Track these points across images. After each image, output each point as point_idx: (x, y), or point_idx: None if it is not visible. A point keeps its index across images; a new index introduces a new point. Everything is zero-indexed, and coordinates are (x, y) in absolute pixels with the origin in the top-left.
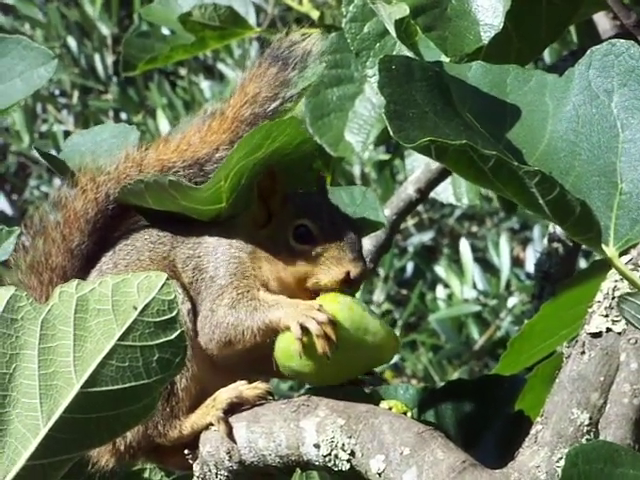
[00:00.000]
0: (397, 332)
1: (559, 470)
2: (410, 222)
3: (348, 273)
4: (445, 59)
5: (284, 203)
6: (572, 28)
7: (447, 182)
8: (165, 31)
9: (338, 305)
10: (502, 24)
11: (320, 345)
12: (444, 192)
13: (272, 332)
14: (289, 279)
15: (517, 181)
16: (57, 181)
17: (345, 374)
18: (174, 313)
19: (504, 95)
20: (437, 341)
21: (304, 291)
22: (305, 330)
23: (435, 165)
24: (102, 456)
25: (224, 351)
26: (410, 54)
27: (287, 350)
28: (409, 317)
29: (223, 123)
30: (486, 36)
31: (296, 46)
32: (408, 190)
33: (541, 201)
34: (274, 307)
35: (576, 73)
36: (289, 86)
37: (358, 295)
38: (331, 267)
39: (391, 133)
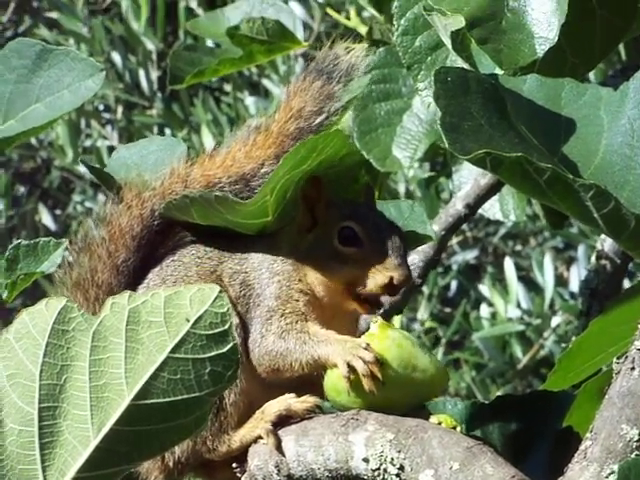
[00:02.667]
0: (440, 350)
1: None
2: (454, 240)
3: (392, 278)
4: (500, 72)
5: (329, 208)
6: (620, 46)
7: (494, 199)
8: (211, 45)
9: (387, 342)
10: (557, 38)
11: (367, 384)
12: (491, 209)
13: (320, 367)
14: (334, 284)
15: (572, 194)
16: (101, 196)
17: (395, 409)
18: (227, 326)
19: (559, 108)
20: (480, 359)
21: (349, 295)
22: (352, 369)
23: (484, 181)
24: (151, 472)
25: (272, 376)
26: (465, 66)
27: (335, 386)
28: (453, 335)
29: (268, 138)
30: (541, 49)
31: (340, 59)
32: (457, 206)
33: (595, 215)
34: (323, 343)
35: (631, 87)
36: (334, 100)
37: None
38: (376, 272)
39: (446, 145)
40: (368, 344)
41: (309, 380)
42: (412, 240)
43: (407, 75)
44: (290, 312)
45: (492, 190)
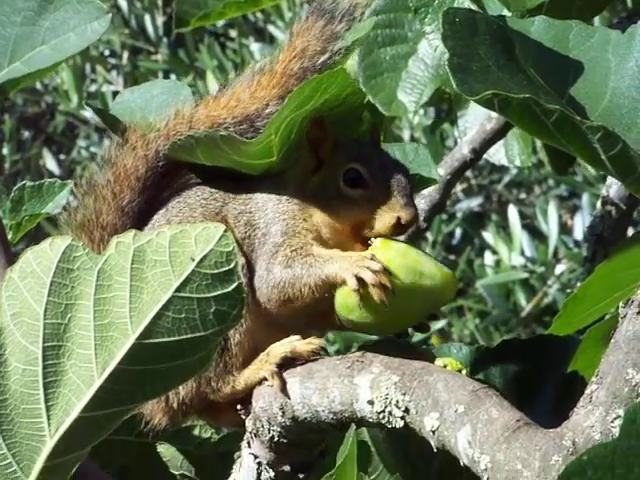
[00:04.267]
0: None
1: (614, 430)
2: (459, 188)
3: (399, 218)
4: (508, 14)
5: (334, 149)
6: None
7: (499, 144)
8: None
9: (391, 252)
10: None
11: (376, 294)
12: (496, 154)
13: (329, 287)
14: (340, 225)
15: (580, 136)
16: (106, 141)
17: (407, 320)
18: (232, 265)
19: (567, 50)
20: (484, 307)
21: (356, 237)
22: (361, 281)
23: (489, 126)
24: (155, 414)
25: (282, 309)
26: (473, 7)
27: (346, 303)
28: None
29: (272, 78)
30: None
31: None
32: (462, 150)
33: (603, 157)
34: (329, 262)
35: (639, 29)
36: (337, 39)
37: None
38: (382, 212)
39: (454, 86)
40: (373, 255)
41: (314, 316)
42: (417, 183)
43: (413, 19)
44: (296, 243)
45: (498, 135)
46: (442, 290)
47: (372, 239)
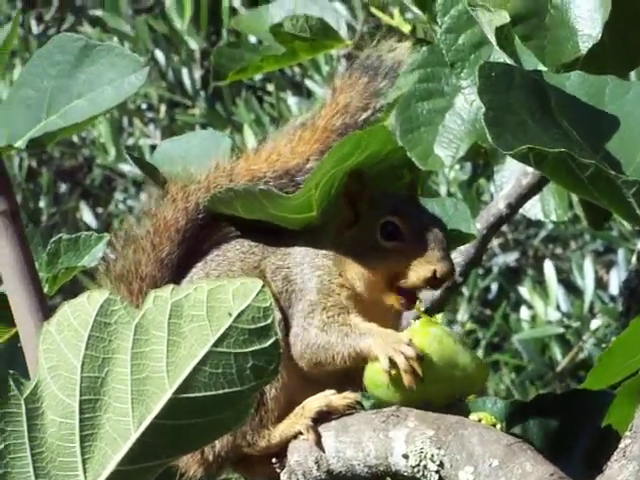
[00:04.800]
0: (480, 352)
1: None
2: (495, 242)
3: (435, 271)
4: (543, 68)
5: (371, 203)
6: None
7: (535, 199)
8: (254, 42)
9: (428, 338)
10: (600, 35)
11: (406, 379)
12: (532, 209)
13: (361, 359)
14: (375, 278)
15: (615, 191)
16: (143, 194)
17: (432, 402)
18: (269, 320)
19: (602, 105)
20: (520, 362)
21: (390, 289)
22: (393, 363)
23: (525, 181)
24: (190, 466)
25: (314, 369)
26: (509, 62)
27: (374, 379)
28: (492, 337)
29: (314, 133)
30: (584, 46)
31: (386, 56)
32: (499, 205)
33: (638, 211)
34: (365, 335)
35: None
36: (380, 96)
37: (442, 315)
38: (418, 265)
39: (490, 140)
40: (410, 339)
41: (350, 375)
42: (455, 238)
43: (450, 74)
44: (332, 305)
45: (534, 190)
46: (472, 381)
47: (412, 320)
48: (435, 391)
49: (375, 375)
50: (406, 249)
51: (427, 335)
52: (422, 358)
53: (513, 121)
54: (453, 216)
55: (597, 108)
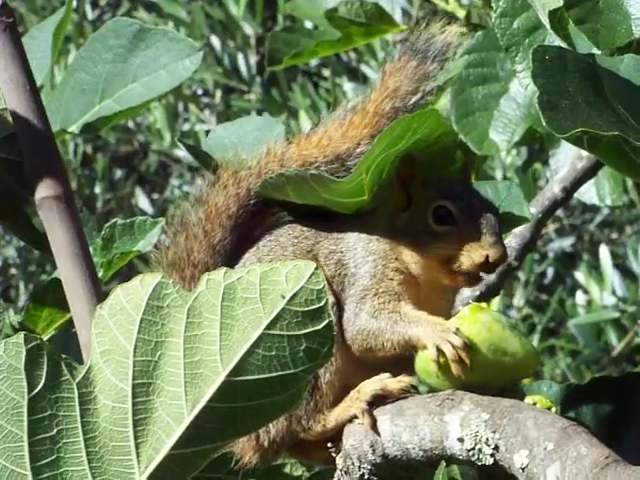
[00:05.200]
0: (536, 337)
1: None
2: (551, 228)
3: (487, 257)
4: (597, 52)
5: (424, 187)
6: None
7: (590, 183)
8: (309, 27)
9: (477, 326)
10: None
11: (455, 368)
12: (587, 193)
13: (411, 347)
14: (429, 262)
15: None
16: (199, 180)
17: (484, 390)
18: (322, 303)
19: None
20: (576, 346)
21: (445, 271)
22: (441, 352)
23: (580, 165)
24: (245, 452)
25: (365, 354)
26: (563, 45)
27: (425, 368)
28: (548, 322)
29: (364, 118)
30: (638, 30)
31: (435, 39)
32: (554, 189)
33: None
34: (413, 324)
35: None
36: (429, 79)
37: (498, 300)
38: (471, 250)
39: (544, 123)
40: (458, 328)
41: (405, 358)
42: (509, 221)
43: (504, 58)
44: (384, 291)
45: (589, 174)
46: (523, 368)
47: (461, 307)
48: (485, 378)
49: (425, 363)
50: (459, 233)
51: (475, 322)
52: (469, 347)
53: (567, 104)
54: (506, 199)
55: None
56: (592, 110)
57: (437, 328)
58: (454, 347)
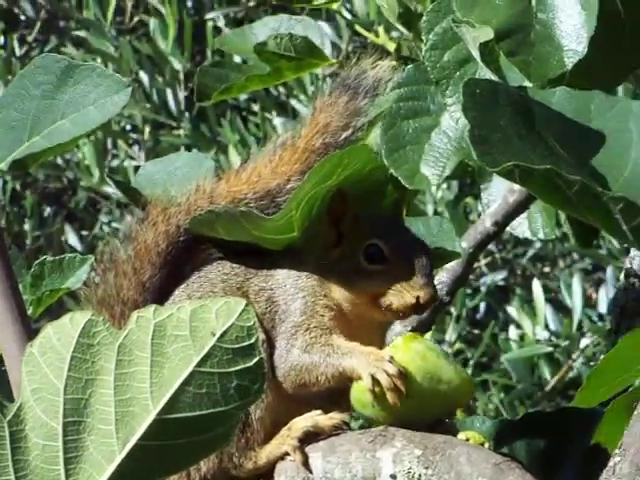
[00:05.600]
0: (469, 372)
1: None
2: (483, 262)
3: (418, 298)
4: (528, 84)
5: (355, 223)
6: None
7: (523, 217)
8: (239, 61)
9: (410, 354)
10: (586, 50)
11: (390, 397)
12: (520, 227)
13: (346, 379)
14: (360, 300)
15: (601, 207)
16: (128, 217)
17: (420, 419)
18: (253, 340)
19: (588, 121)
20: (509, 381)
21: (376, 308)
22: (376, 381)
23: (512, 198)
24: None
25: (298, 391)
26: (494, 78)
27: (360, 398)
28: (481, 357)
29: (294, 153)
30: (570, 62)
31: (367, 74)
32: (486, 223)
33: (625, 227)
34: (347, 355)
35: None
36: (360, 115)
37: (430, 335)
38: (402, 291)
39: (475, 157)
40: (392, 357)
41: (338, 394)
42: (440, 257)
43: (435, 92)
44: (315, 326)
45: (521, 207)
46: (458, 396)
47: (394, 337)
48: (421, 407)
49: (360, 394)
50: (389, 273)
51: (409, 351)
52: (404, 375)
53: (499, 138)
54: (438, 234)
55: (583, 124)
56: (524, 143)
57: (371, 357)
58: (389, 375)
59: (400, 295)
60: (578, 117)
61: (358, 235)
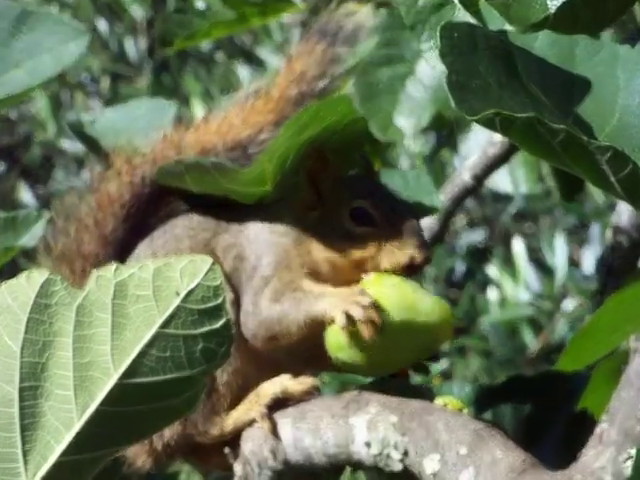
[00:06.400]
0: None
1: (626, 471)
2: (461, 220)
3: (413, 258)
4: (509, 28)
5: (336, 185)
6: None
7: (503, 171)
8: (202, 7)
9: (384, 287)
10: None
11: (365, 331)
12: (501, 180)
13: (319, 325)
14: (344, 263)
15: (587, 157)
16: (85, 172)
17: (401, 360)
18: (220, 300)
19: (572, 67)
20: (488, 346)
21: (360, 274)
22: (350, 318)
23: (492, 151)
24: (138, 456)
25: (269, 346)
26: (473, 22)
27: (336, 341)
28: (459, 320)
29: (268, 103)
30: (553, 5)
31: (345, 21)
32: (463, 176)
33: (612, 178)
34: (319, 298)
35: None
36: (338, 63)
37: None
38: (394, 250)
39: (453, 104)
40: (363, 289)
41: (308, 356)
42: (418, 211)
43: (411, 38)
44: (285, 277)
45: (501, 161)
46: (439, 328)
47: (364, 274)
48: (400, 344)
49: (335, 337)
50: (380, 234)
51: (382, 285)
52: (378, 307)
53: (478, 85)
54: (415, 188)
55: (567, 70)
56: (504, 90)
57: (342, 295)
58: (362, 307)
59: (391, 255)
60: (562, 63)
61: (341, 197)
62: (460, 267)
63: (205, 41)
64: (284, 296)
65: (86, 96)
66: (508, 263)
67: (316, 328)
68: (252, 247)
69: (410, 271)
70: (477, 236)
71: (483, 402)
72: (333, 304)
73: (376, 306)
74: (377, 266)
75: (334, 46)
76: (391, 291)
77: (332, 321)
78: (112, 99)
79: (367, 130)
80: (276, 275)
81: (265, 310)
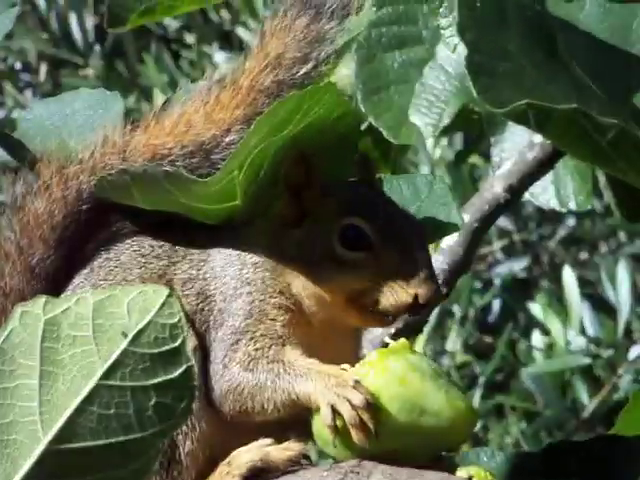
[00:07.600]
0: (477, 393)
1: None
2: (497, 245)
3: (417, 296)
4: None
5: (323, 196)
6: None
7: (547, 180)
8: None
9: (386, 377)
10: None
11: (355, 435)
12: (543, 193)
13: (300, 408)
14: (332, 297)
15: None
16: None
17: (404, 458)
18: (178, 342)
19: (629, 45)
20: (532, 406)
21: (354, 312)
22: (338, 413)
23: (532, 155)
24: None
25: (239, 418)
26: None
27: (321, 434)
28: (494, 373)
29: (236, 95)
30: None
31: None
32: (495, 188)
33: None
34: (302, 377)
35: None
36: (324, 42)
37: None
38: (394, 287)
39: (475, 93)
40: (358, 381)
41: (293, 419)
42: (432, 230)
43: (428, 12)
44: (262, 335)
45: (543, 167)
46: (452, 432)
47: (367, 352)
48: (398, 447)
49: (321, 429)
50: (375, 261)
51: (384, 371)
52: (374, 406)
53: (507, 68)
54: (428, 199)
55: (622, 48)
56: (540, 75)
57: (331, 382)
58: (353, 407)
59: (391, 292)
60: (615, 39)
61: (329, 213)
62: (495, 305)
63: (169, 18)
64: (259, 364)
65: (18, 88)
66: (557, 299)
67: (297, 410)
68: (218, 284)
69: (415, 311)
70: (517, 265)
71: (519, 474)
72: (319, 390)
73: (372, 405)
74: (373, 303)
75: (319, 21)
76: (393, 382)
77: (318, 409)
78: (51, 92)
79: (360, 128)
80: (250, 329)
81: (236, 378)
